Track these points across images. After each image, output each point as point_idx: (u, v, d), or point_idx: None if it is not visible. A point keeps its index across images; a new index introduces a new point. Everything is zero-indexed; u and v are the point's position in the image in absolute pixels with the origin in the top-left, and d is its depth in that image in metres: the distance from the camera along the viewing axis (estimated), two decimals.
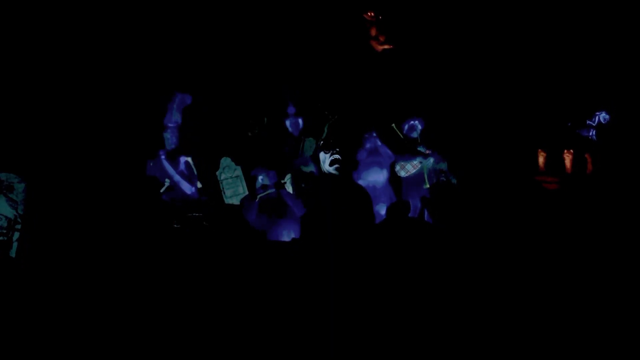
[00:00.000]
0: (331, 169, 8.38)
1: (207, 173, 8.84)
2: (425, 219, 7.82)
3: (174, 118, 8.87)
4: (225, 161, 8.97)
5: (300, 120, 9.07)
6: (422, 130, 8.84)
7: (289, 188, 8.56)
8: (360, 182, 8.38)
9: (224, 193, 8.83)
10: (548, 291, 5.78)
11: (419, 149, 8.69)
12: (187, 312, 5.81)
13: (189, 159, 8.70)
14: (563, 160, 8.34)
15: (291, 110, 9.10)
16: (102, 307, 5.78)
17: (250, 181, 8.50)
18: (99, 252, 6.51)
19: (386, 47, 9.15)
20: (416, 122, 8.84)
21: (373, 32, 9.23)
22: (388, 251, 6.43)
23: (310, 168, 8.34)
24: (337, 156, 8.35)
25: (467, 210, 7.42)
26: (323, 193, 7.80)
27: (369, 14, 9.26)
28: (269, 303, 5.86)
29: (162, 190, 8.27)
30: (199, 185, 8.64)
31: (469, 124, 8.89)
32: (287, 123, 9.10)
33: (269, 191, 8.00)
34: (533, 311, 5.58)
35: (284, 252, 6.99)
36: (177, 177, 8.46)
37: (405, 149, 8.67)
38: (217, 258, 6.58)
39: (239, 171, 8.94)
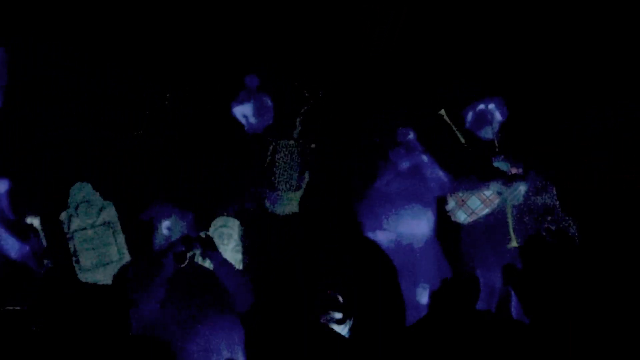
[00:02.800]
0: None
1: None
2: (514, 314, 4.15)
3: None
4: (81, 191, 4.42)
5: (269, 102, 4.71)
6: (502, 124, 4.43)
7: (225, 249, 4.33)
8: (380, 237, 4.09)
9: (77, 260, 4.41)
10: None
11: (496, 163, 4.33)
12: None
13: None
14: None
15: (252, 81, 4.74)
16: None
17: (139, 234, 4.11)
18: None
19: None
20: (491, 106, 4.41)
21: None
22: None
23: (289, 206, 4.37)
24: None
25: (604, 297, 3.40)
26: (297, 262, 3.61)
27: None
28: None
29: None
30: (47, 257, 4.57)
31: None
32: (242, 108, 4.73)
33: (187, 255, 3.72)
34: None
35: None
36: None
37: (469, 165, 4.31)
38: None
39: (110, 212, 4.50)
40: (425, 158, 4.32)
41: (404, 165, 4.29)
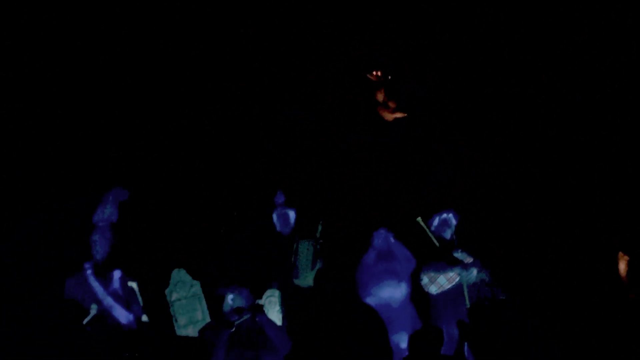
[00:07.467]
0: None
1: (152, 292, 6.43)
2: (466, 355, 5.51)
3: (107, 214, 6.26)
4: (178, 274, 6.53)
5: (292, 214, 6.73)
6: (457, 227, 6.44)
7: (271, 312, 6.26)
8: (369, 300, 6.09)
9: (176, 320, 6.41)
10: None
11: (455, 254, 6.26)
12: None
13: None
14: None
15: (280, 198, 6.78)
16: None
17: (215, 303, 6.24)
18: None
19: (398, 115, 6.92)
20: (449, 215, 6.45)
21: (380, 96, 6.98)
22: None
23: (307, 282, 6.23)
24: None
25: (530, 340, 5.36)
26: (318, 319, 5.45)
27: (374, 73, 7.02)
28: None
29: (85, 321, 5.76)
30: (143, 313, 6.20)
31: (518, 216, 6.58)
32: (274, 217, 6.77)
33: (245, 317, 5.60)
34: None
35: None
36: (108, 301, 5.94)
37: (438, 255, 6.28)
38: None
39: (197, 288, 6.54)
40: (396, 244, 6.38)
41: (381, 248, 6.37)
